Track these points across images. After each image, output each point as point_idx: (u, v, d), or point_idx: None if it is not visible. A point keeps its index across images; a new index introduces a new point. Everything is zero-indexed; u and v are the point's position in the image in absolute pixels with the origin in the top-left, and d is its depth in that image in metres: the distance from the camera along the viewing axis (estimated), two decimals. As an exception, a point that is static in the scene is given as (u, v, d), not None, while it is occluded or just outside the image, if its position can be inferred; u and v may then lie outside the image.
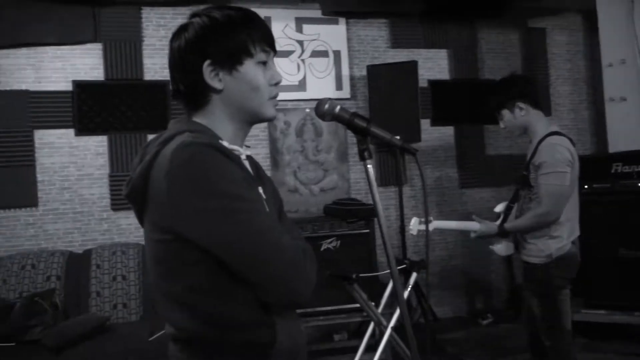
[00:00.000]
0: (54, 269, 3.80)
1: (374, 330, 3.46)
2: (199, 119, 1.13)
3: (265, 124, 4.50)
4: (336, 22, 4.72)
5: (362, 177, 4.72)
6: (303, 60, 4.61)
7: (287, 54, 4.56)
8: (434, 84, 4.97)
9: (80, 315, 3.63)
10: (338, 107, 1.19)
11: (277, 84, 1.15)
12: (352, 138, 4.72)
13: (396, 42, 4.94)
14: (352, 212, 3.80)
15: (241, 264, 0.98)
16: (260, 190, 1.15)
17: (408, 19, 4.94)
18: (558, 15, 5.42)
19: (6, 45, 4.05)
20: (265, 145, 4.52)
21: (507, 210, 2.71)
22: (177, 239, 0.99)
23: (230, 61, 1.09)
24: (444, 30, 5.06)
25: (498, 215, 2.79)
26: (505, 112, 2.57)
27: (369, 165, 1.15)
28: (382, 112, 4.31)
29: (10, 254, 3.88)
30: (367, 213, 3.78)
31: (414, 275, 3.58)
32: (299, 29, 4.61)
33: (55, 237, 4.09)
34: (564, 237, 2.46)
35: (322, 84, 4.59)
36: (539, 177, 2.45)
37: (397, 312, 3.28)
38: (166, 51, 4.04)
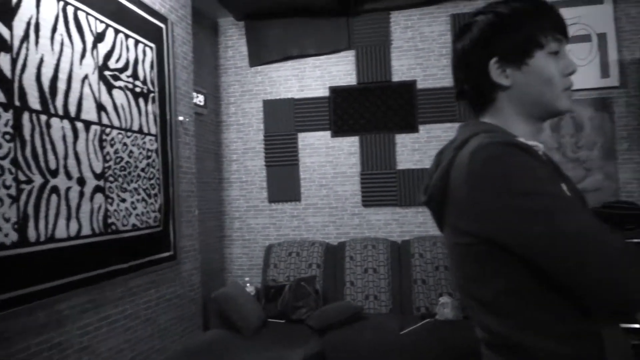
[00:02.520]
0: (315, 258, 4.21)
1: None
2: (487, 119, 1.09)
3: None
4: (600, 2, 4.17)
5: (634, 178, 4.07)
6: (560, 48, 4.19)
7: (541, 42, 4.19)
8: None
9: (336, 301, 3.94)
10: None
11: (571, 73, 1.03)
12: (621, 132, 4.11)
13: (680, 16, 4.12)
14: (632, 218, 3.29)
15: (559, 267, 0.89)
16: (564, 187, 1.05)
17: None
18: None
19: (276, 60, 4.66)
20: (516, 142, 4.24)
21: None
22: (482, 242, 0.95)
23: (518, 56, 1.02)
24: None
25: None
26: None
27: None
28: (665, 99, 3.64)
29: (280, 242, 4.44)
30: (652, 219, 3.24)
31: None
32: (555, 14, 4.20)
33: (314, 229, 4.54)
34: None
35: (584, 72, 4.10)
36: None
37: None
38: (413, 52, 4.09)
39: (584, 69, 4.12)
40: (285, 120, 4.62)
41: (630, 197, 4.00)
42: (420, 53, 4.39)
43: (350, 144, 4.52)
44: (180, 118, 3.54)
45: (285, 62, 4.66)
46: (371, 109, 4.45)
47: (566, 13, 4.13)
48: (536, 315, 0.94)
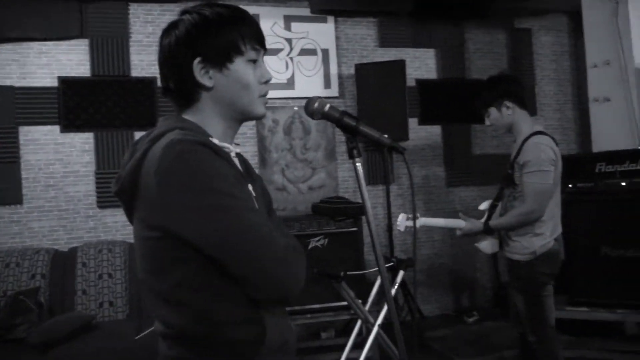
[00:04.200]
0: (39, 267, 3.75)
1: (361, 328, 3.48)
2: (188, 116, 1.13)
3: (253, 122, 4.50)
4: (325, 21, 4.72)
5: (350, 176, 4.74)
6: (291, 59, 4.61)
7: (275, 51, 4.55)
8: (421, 83, 5.00)
9: (65, 313, 3.60)
10: (328, 106, 1.19)
11: (267, 82, 1.15)
12: (340, 137, 4.73)
13: (384, 41, 4.95)
14: (340, 211, 3.81)
15: (231, 260, 0.98)
16: (250, 187, 1.16)
17: (396, 19, 4.96)
18: (543, 16, 5.47)
19: (-10, 40, 4.00)
20: (254, 143, 4.52)
21: (492, 209, 2.75)
22: (167, 236, 0.99)
23: (220, 59, 1.09)
24: (432, 29, 5.09)
25: (483, 213, 2.82)
26: (493, 110, 2.61)
27: (357, 164, 1.16)
28: (370, 110, 4.32)
29: (-6, 252, 3.83)
30: (356, 211, 3.80)
31: (401, 273, 3.59)
32: (288, 27, 4.61)
33: (40, 235, 4.05)
34: (547, 234, 2.51)
35: (310, 82, 4.60)
36: (524, 175, 2.49)
37: (384, 310, 3.32)
38: (154, 48, 3.98)
39: (310, 79, 4.62)
40: (3, 112, 3.99)
41: (346, 192, 4.64)
42: (161, 50, 4.29)
43: (83, 141, 4.16)
44: None
45: (3, 45, 4.04)
46: (108, 104, 4.18)
47: (297, 28, 4.58)
48: (209, 306, 1.01)
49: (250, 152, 4.49)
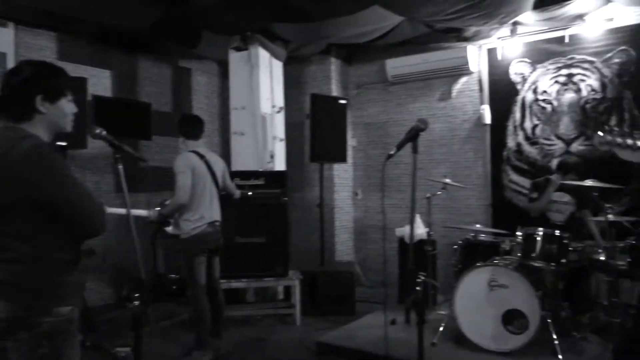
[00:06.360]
0: None
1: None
2: (25, 127, 1.76)
3: None
4: (5, 25, 4.84)
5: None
6: (-36, 56, 4.54)
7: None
8: (98, 99, 5.58)
9: None
10: (104, 132, 2.01)
11: (74, 112, 1.90)
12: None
13: (63, 56, 5.36)
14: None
15: (71, 209, 1.72)
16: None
17: (76, 37, 5.44)
18: (201, 60, 6.86)
19: None
20: None
21: None
22: (23, 201, 1.65)
23: (54, 97, 1.80)
24: (109, 53, 5.78)
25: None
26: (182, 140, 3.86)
27: (120, 167, 2.01)
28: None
29: None
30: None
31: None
32: (-39, 23, 4.54)
33: None
34: (193, 220, 3.76)
35: None
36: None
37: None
38: None
39: None
40: None
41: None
42: None
43: None
44: None
45: None
46: None
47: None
48: (49, 238, 1.74)
49: None
